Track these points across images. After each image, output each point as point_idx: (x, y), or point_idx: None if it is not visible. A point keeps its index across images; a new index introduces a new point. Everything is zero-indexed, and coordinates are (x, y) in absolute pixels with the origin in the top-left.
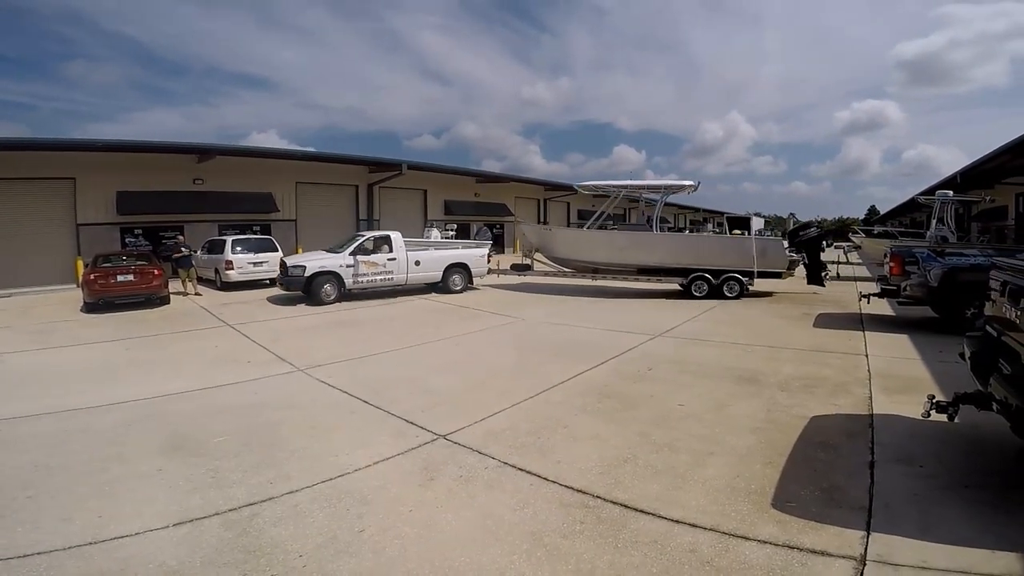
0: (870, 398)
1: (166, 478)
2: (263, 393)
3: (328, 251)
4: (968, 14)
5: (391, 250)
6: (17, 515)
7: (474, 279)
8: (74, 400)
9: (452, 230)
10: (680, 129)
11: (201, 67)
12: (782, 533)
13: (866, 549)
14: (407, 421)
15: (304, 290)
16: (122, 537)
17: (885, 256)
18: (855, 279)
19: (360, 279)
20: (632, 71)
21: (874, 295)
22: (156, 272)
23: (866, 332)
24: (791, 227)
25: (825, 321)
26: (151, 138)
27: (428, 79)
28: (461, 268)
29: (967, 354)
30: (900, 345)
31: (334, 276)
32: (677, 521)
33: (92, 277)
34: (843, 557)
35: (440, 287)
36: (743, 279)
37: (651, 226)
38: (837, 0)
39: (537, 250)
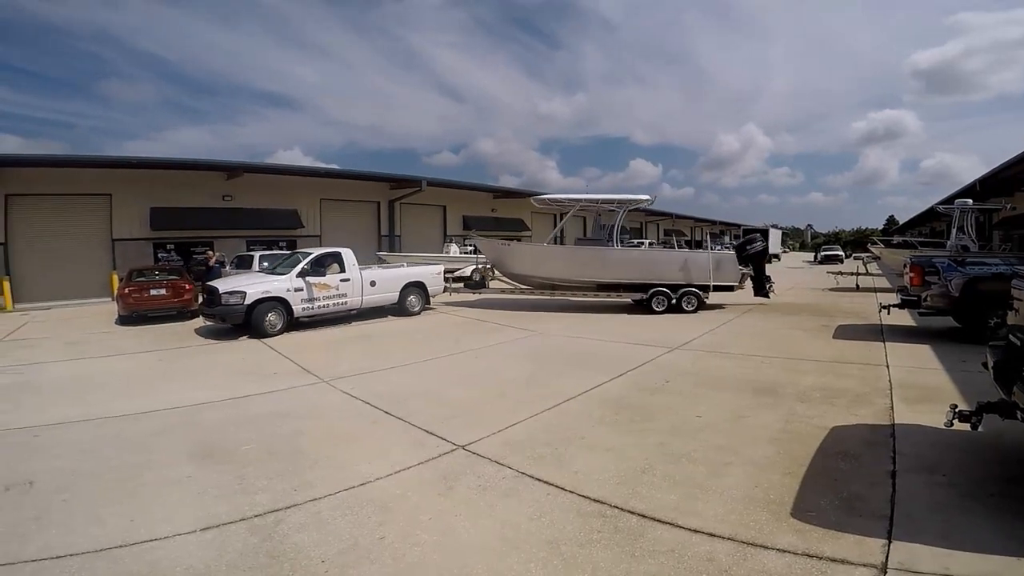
0: (891, 408)
1: (195, 484)
2: (288, 403)
3: (269, 272)
4: (981, 22)
5: (343, 269)
6: (52, 517)
7: (431, 299)
8: (107, 408)
9: (471, 246)
10: (695, 141)
11: (227, 86)
12: (801, 542)
13: (887, 557)
14: (427, 431)
15: (244, 321)
16: (151, 540)
17: (905, 266)
18: (875, 290)
19: (310, 305)
20: (644, 85)
21: (894, 306)
22: (187, 287)
23: (886, 343)
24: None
25: (844, 332)
26: (181, 155)
27: (444, 96)
28: (418, 287)
29: (990, 363)
30: (921, 355)
31: (280, 303)
32: (695, 530)
33: (126, 291)
34: (864, 565)
35: (396, 309)
36: (700, 293)
37: (611, 241)
38: (847, 11)
39: (492, 266)
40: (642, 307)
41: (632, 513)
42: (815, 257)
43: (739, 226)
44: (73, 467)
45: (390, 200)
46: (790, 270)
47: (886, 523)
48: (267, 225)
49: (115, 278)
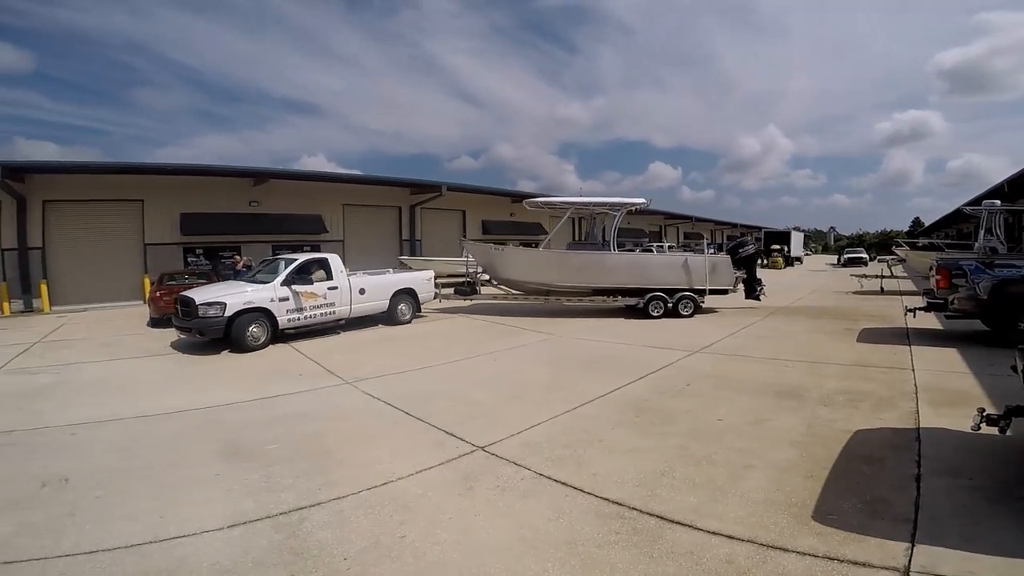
0: (916, 412)
1: (222, 482)
2: (313, 404)
3: (249, 280)
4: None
5: (329, 276)
6: (87, 514)
7: (421, 306)
8: (139, 407)
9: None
10: (715, 144)
11: (253, 94)
12: (822, 545)
13: (910, 560)
14: (447, 433)
15: (224, 334)
16: (180, 537)
17: (931, 269)
18: (900, 293)
19: (297, 315)
20: (663, 88)
21: (920, 309)
22: None
23: (912, 346)
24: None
25: (869, 336)
26: (209, 162)
27: (463, 102)
28: (408, 294)
29: (1019, 366)
30: (948, 359)
31: (263, 314)
32: (714, 533)
33: (157, 294)
34: (886, 568)
35: (386, 318)
36: (696, 297)
37: (607, 245)
38: (867, 12)
39: (484, 271)
40: (635, 312)
41: (651, 515)
42: (838, 260)
43: (760, 228)
44: (107, 464)
45: (411, 205)
46: (812, 273)
47: (910, 526)
48: (292, 230)
49: (147, 281)
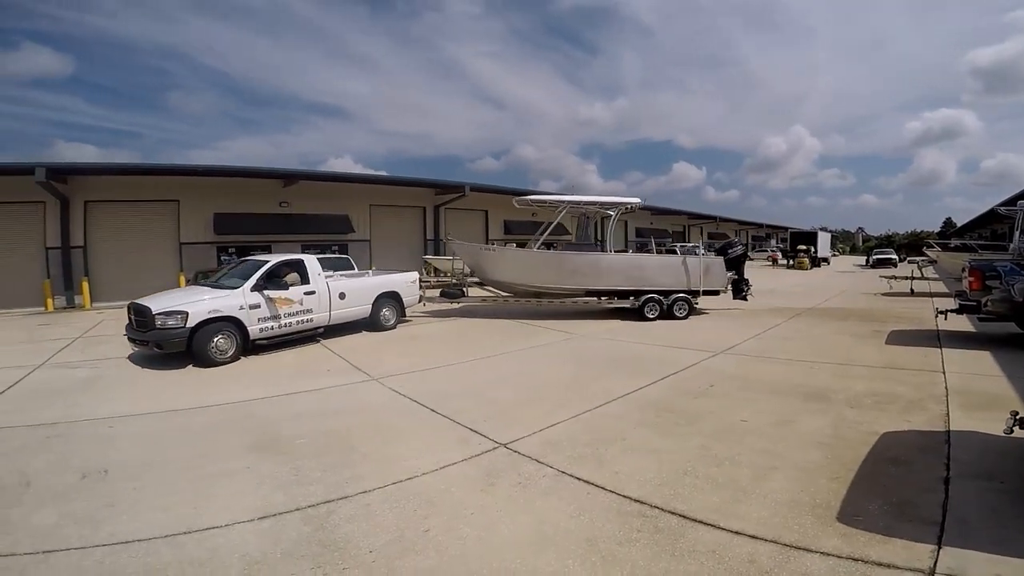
0: (947, 415)
1: (253, 475)
2: (341, 399)
3: (213, 286)
4: None
5: (306, 280)
6: (124, 504)
7: (406, 310)
8: (174, 402)
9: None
10: (740, 144)
11: (282, 98)
12: (847, 546)
13: (936, 563)
14: (471, 429)
15: (187, 347)
16: (212, 528)
17: (963, 270)
18: (931, 295)
19: (271, 324)
20: (686, 89)
21: (952, 311)
22: None
23: (943, 349)
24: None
25: (898, 338)
26: (241, 164)
27: (485, 104)
28: (392, 298)
29: None
30: (981, 362)
31: (231, 323)
32: (737, 532)
33: None
34: (911, 570)
35: (369, 323)
36: (691, 299)
37: (600, 246)
38: (891, 11)
39: (471, 273)
40: (630, 313)
41: (673, 514)
42: (866, 261)
43: (786, 229)
44: (143, 456)
45: (435, 205)
46: (840, 274)
47: (936, 529)
48: (320, 230)
49: (182, 279)
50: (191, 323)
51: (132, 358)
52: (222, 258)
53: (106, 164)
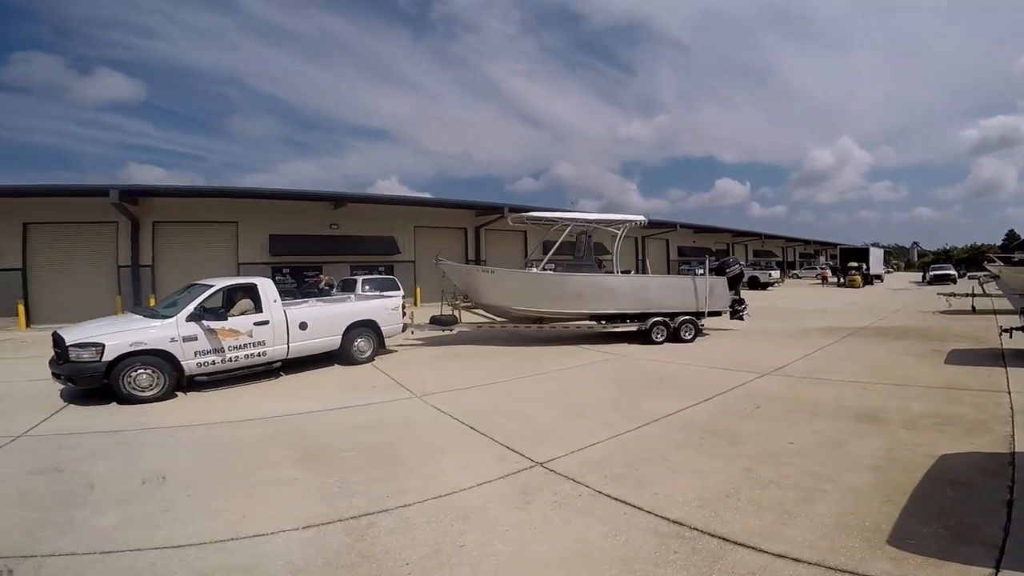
0: (1012, 436)
1: (300, 486)
2: (386, 415)
3: (147, 314)
4: None
5: (259, 308)
6: (179, 510)
7: (386, 340)
8: (228, 414)
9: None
10: (785, 157)
11: (331, 122)
12: (896, 569)
13: None
14: (508, 448)
15: (105, 381)
16: (258, 535)
17: None
18: (994, 312)
19: (213, 358)
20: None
21: (1017, 329)
22: None
23: (1008, 368)
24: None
25: (959, 357)
26: (294, 187)
27: (523, 123)
28: (367, 327)
29: None
30: None
31: (161, 357)
32: (779, 555)
33: None
34: None
35: (341, 356)
36: (696, 320)
37: (592, 264)
38: (932, 17)
39: (464, 296)
40: (630, 336)
41: (712, 536)
42: (923, 277)
43: (835, 245)
44: (199, 464)
45: (476, 227)
46: (894, 292)
47: (996, 552)
48: (367, 251)
49: None
50: (108, 356)
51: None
52: (276, 278)
53: (173, 186)
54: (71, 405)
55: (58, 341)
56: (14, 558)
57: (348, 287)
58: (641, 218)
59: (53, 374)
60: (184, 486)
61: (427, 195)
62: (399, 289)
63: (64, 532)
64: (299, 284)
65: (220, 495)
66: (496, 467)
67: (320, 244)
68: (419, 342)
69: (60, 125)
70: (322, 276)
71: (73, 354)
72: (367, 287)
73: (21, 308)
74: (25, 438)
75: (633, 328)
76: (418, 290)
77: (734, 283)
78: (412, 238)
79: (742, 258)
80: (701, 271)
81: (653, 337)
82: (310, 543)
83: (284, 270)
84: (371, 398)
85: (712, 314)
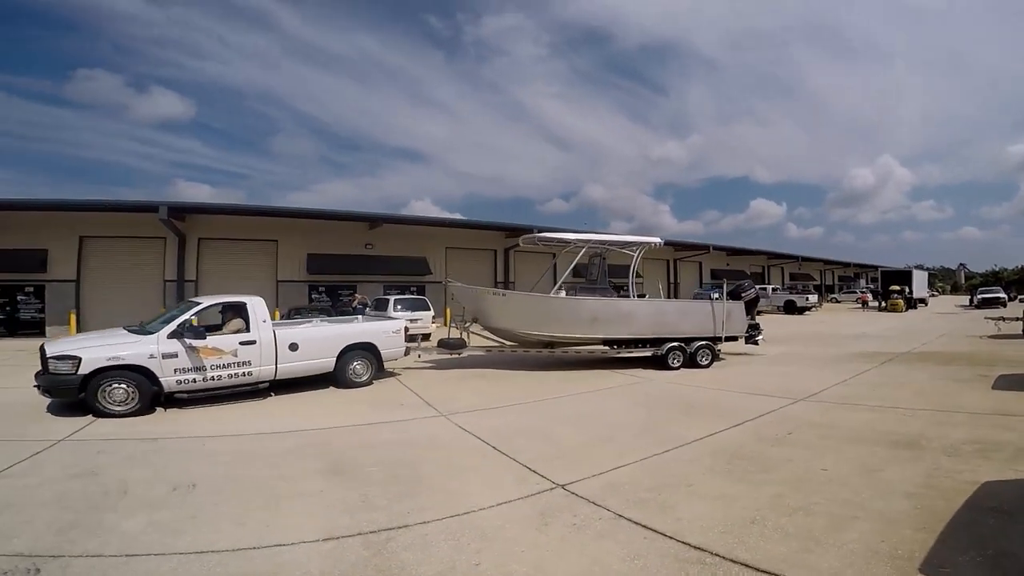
0: None
1: (324, 498)
2: (411, 432)
3: (132, 330)
4: None
5: (247, 327)
6: (205, 517)
7: (385, 363)
8: (257, 425)
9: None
10: (822, 177)
11: (368, 143)
12: None
13: None
14: (530, 469)
15: (81, 394)
16: (280, 545)
17: None
18: None
19: (193, 376)
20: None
21: None
22: None
23: None
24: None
25: (1008, 383)
26: (332, 207)
27: (553, 145)
28: (365, 350)
29: None
30: None
31: (139, 373)
32: None
33: None
34: None
35: (336, 379)
36: (713, 345)
37: (613, 289)
38: (972, 30)
39: (474, 320)
40: (645, 361)
41: (735, 562)
42: (970, 301)
43: (876, 268)
44: (228, 473)
45: (505, 248)
46: (939, 316)
47: None
48: (400, 271)
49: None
50: (84, 370)
51: None
52: (312, 296)
53: (218, 204)
54: None
55: (42, 353)
56: (44, 557)
57: (381, 306)
58: (657, 240)
59: (34, 385)
60: (212, 494)
61: (458, 215)
62: (430, 310)
63: (94, 534)
64: (334, 303)
65: (246, 504)
66: (516, 488)
67: (355, 264)
68: (429, 365)
69: (117, 142)
70: (356, 295)
71: (51, 366)
72: (399, 307)
73: (73, 318)
74: (67, 442)
75: (648, 353)
76: (448, 311)
77: (750, 307)
78: (443, 259)
79: (777, 281)
80: (716, 295)
81: (669, 362)
82: (329, 555)
83: (320, 288)
84: (400, 415)
85: (728, 339)
